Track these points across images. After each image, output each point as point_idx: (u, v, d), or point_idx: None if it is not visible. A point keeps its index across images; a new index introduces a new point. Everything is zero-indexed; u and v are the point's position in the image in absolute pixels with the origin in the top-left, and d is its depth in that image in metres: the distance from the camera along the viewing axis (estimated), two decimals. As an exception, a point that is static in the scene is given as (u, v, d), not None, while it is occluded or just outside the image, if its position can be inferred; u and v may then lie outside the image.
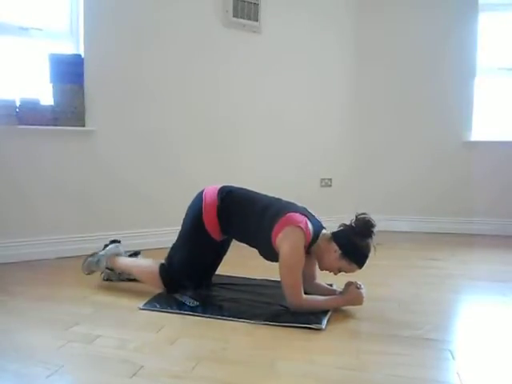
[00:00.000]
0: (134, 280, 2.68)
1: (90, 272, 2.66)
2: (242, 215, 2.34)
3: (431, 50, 4.39)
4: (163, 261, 2.49)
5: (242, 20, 3.86)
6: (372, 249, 2.20)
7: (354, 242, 2.19)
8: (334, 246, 2.21)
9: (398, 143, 4.52)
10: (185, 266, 2.42)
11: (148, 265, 2.55)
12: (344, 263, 2.21)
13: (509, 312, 2.36)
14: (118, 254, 2.66)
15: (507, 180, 4.29)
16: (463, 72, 4.34)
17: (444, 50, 4.37)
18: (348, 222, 2.25)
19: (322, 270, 2.32)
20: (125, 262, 2.64)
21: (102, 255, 2.65)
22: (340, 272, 2.26)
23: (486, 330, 2.11)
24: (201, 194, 2.43)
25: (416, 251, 3.69)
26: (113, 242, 2.73)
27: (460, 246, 3.88)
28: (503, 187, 4.29)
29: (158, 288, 2.47)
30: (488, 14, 4.32)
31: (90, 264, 2.64)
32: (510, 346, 1.94)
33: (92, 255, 2.67)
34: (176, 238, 2.49)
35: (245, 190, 2.46)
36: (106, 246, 2.72)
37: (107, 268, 2.64)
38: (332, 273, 2.28)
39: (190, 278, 2.46)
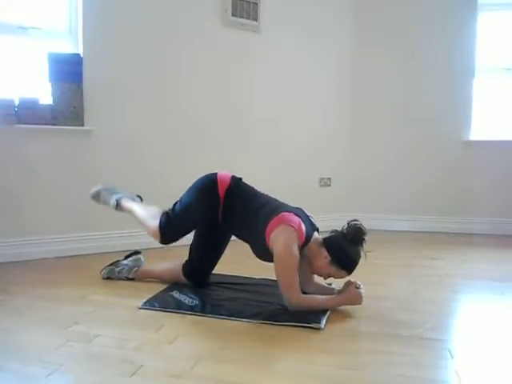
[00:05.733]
0: (133, 279, 2.69)
1: (96, 200, 2.69)
2: (241, 209, 2.37)
3: (430, 50, 4.39)
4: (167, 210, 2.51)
5: (241, 19, 3.86)
6: (362, 256, 2.21)
7: (345, 250, 2.20)
8: (324, 252, 2.22)
9: (397, 143, 4.52)
10: (183, 219, 2.46)
11: (153, 212, 2.53)
12: (333, 269, 2.22)
13: (507, 311, 2.36)
14: (129, 198, 2.69)
15: (506, 179, 4.29)
16: (462, 71, 4.34)
17: (443, 49, 4.37)
18: (339, 228, 2.27)
19: (312, 273, 2.35)
20: (131, 205, 2.63)
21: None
22: (329, 277, 2.28)
23: (484, 329, 2.12)
24: (214, 173, 2.44)
25: (415, 250, 3.70)
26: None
27: (459, 246, 3.89)
28: (502, 187, 4.29)
29: (154, 236, 2.49)
30: (487, 13, 4.32)
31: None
32: (509, 345, 1.95)
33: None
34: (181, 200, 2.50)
35: (249, 185, 2.50)
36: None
37: (117, 205, 2.64)
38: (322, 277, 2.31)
39: (183, 232, 2.50)
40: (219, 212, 2.39)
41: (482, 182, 4.33)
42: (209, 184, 2.42)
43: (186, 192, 2.49)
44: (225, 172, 2.48)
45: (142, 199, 2.78)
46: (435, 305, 2.41)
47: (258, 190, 2.49)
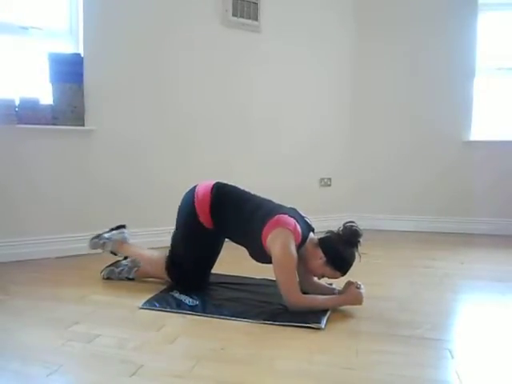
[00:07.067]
0: (134, 279, 2.69)
1: (94, 249, 2.79)
2: (233, 214, 2.38)
3: (430, 50, 4.39)
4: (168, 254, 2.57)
5: (241, 19, 3.86)
6: (357, 257, 2.23)
7: (340, 251, 2.21)
8: (320, 253, 2.23)
9: (397, 143, 4.52)
10: (188, 261, 2.49)
11: (155, 258, 2.62)
12: (328, 270, 2.23)
13: (507, 311, 2.36)
14: (123, 241, 2.75)
15: (506, 180, 4.28)
16: (462, 72, 4.34)
17: (443, 49, 4.37)
18: (335, 229, 2.28)
19: (307, 273, 2.35)
20: (131, 250, 2.72)
21: (107, 239, 2.74)
22: (323, 277, 2.30)
23: (484, 329, 2.12)
24: (193, 190, 2.46)
25: (415, 251, 3.69)
26: (118, 227, 2.81)
27: (459, 246, 3.88)
28: (502, 187, 4.29)
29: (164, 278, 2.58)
30: (487, 13, 4.32)
31: (95, 244, 2.76)
32: (509, 345, 1.95)
33: (97, 237, 2.76)
34: (173, 232, 2.55)
35: (237, 188, 2.49)
36: (112, 229, 2.80)
37: (112, 252, 2.75)
38: (316, 277, 2.34)
39: (194, 272, 2.52)
40: (211, 227, 2.41)
41: (483, 183, 4.33)
42: (191, 218, 2.41)
43: (177, 234, 2.52)
44: (205, 184, 2.45)
45: (125, 226, 2.83)
46: (435, 305, 2.41)
47: (247, 190, 2.49)
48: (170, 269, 2.52)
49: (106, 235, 2.75)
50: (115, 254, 2.76)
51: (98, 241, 2.74)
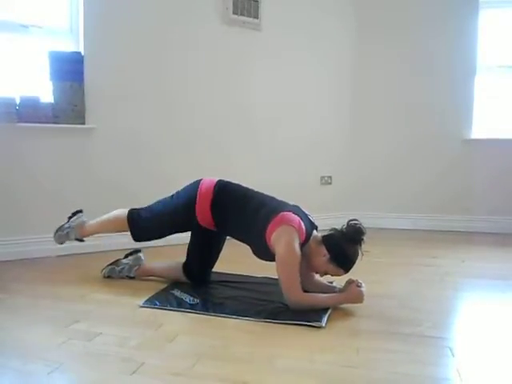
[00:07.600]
0: (134, 278, 2.70)
1: (62, 243, 2.77)
2: (237, 211, 2.37)
3: (431, 48, 4.38)
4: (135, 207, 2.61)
5: (242, 17, 3.85)
6: (360, 255, 2.23)
7: (344, 249, 2.22)
8: (323, 250, 2.23)
9: (398, 141, 4.51)
10: (156, 224, 2.56)
11: (117, 213, 2.63)
12: (331, 267, 2.24)
13: (508, 309, 2.36)
14: (82, 224, 2.72)
15: (507, 178, 4.28)
16: (463, 70, 4.33)
17: (444, 47, 4.36)
18: (339, 227, 2.29)
19: (309, 270, 2.36)
20: (92, 226, 2.70)
21: (68, 227, 2.72)
22: (326, 274, 2.30)
23: (485, 327, 2.12)
24: (197, 183, 2.46)
25: (416, 249, 3.69)
26: (75, 213, 2.78)
27: (460, 244, 3.88)
28: (503, 185, 4.29)
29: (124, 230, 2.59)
30: (488, 11, 4.31)
31: (60, 237, 2.73)
32: (509, 343, 1.95)
33: (59, 229, 2.72)
34: (167, 197, 2.59)
35: (240, 186, 2.49)
36: (70, 217, 2.76)
37: (77, 239, 2.74)
38: (318, 274, 2.35)
39: (154, 235, 2.61)
40: (210, 224, 2.41)
41: (483, 181, 4.33)
42: (185, 208, 2.43)
43: (169, 202, 2.54)
44: (209, 180, 2.45)
45: (81, 211, 2.80)
46: (436, 303, 2.41)
47: (250, 188, 2.49)
48: (132, 220, 2.54)
49: (66, 225, 2.73)
50: (82, 240, 2.76)
51: (61, 233, 2.72)
